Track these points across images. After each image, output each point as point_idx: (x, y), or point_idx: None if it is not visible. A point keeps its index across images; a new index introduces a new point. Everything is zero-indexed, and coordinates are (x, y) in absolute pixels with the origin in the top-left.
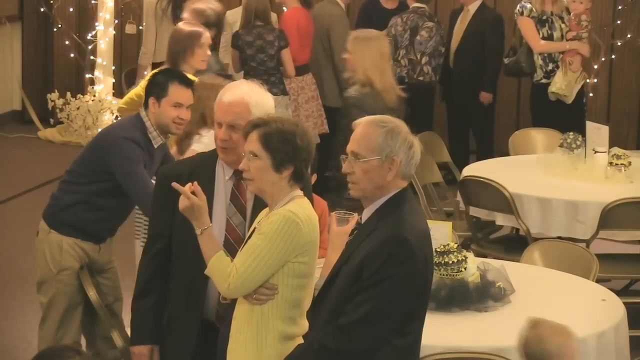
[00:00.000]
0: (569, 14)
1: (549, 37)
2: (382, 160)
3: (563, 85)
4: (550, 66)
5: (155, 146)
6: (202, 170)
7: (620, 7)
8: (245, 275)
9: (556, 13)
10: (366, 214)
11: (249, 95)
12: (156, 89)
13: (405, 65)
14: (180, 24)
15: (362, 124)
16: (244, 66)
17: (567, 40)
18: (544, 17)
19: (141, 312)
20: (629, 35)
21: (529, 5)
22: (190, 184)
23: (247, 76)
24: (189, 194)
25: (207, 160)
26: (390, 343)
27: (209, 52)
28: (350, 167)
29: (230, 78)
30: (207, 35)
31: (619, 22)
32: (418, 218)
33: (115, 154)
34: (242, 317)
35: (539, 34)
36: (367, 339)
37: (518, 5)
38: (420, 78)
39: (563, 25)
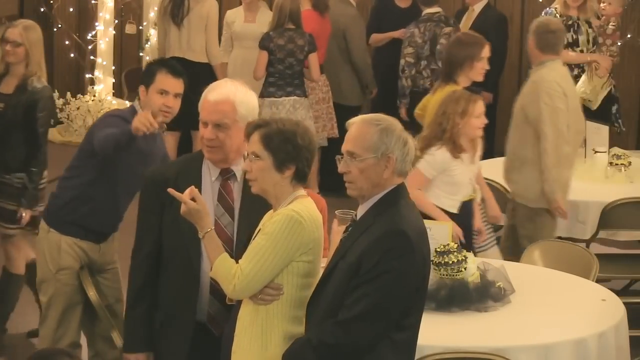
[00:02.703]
0: (599, 18)
1: (575, 42)
2: (377, 159)
3: (588, 90)
4: (576, 71)
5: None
6: (188, 172)
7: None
8: (250, 276)
9: (583, 18)
10: (361, 210)
11: (234, 94)
12: (145, 77)
13: (428, 76)
14: (460, 34)
15: (356, 123)
16: (269, 68)
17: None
18: (570, 22)
19: (134, 320)
20: (629, 35)
21: (554, 11)
22: (189, 189)
23: (270, 78)
24: (185, 200)
25: (193, 162)
26: (388, 338)
27: (487, 66)
28: (346, 166)
29: (479, 93)
30: (487, 49)
31: None
32: (414, 213)
33: (97, 127)
34: (247, 317)
35: (564, 39)
36: (366, 334)
37: (543, 11)
38: None
39: (590, 30)
